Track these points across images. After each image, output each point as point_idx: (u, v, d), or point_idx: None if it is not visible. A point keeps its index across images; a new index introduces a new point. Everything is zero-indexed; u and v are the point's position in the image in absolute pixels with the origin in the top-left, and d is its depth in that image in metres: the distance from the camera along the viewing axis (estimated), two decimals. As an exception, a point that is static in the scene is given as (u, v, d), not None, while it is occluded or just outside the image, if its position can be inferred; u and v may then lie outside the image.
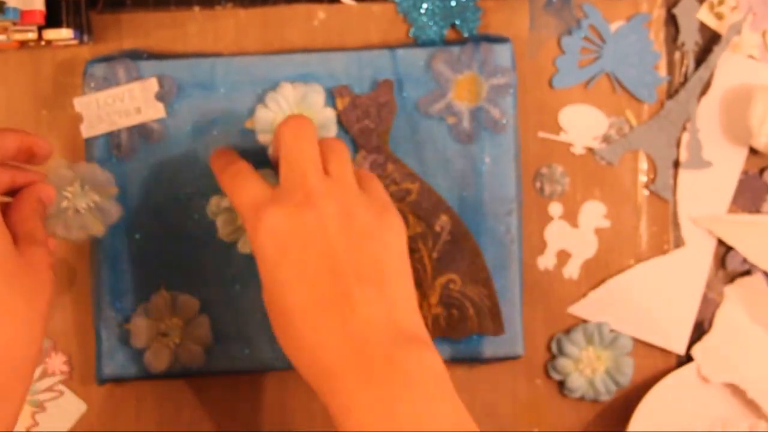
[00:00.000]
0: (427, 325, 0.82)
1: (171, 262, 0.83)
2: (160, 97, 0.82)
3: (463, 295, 0.83)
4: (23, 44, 0.83)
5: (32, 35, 0.81)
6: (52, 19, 0.80)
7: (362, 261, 0.68)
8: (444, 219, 0.83)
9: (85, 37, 0.83)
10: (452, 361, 0.85)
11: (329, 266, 0.67)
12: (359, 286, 0.67)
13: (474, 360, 0.85)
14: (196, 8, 0.85)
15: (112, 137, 0.82)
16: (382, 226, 0.71)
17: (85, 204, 0.80)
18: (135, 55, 0.83)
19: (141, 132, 0.82)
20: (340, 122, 0.83)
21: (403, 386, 0.64)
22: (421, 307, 0.83)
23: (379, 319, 0.67)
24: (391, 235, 0.71)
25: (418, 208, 0.83)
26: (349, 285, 0.67)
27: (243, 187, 0.72)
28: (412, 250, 0.82)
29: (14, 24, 0.79)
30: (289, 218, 0.68)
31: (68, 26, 0.81)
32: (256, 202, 0.70)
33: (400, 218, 0.73)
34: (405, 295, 0.70)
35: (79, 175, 0.79)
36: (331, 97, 0.83)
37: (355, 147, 0.83)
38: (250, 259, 0.83)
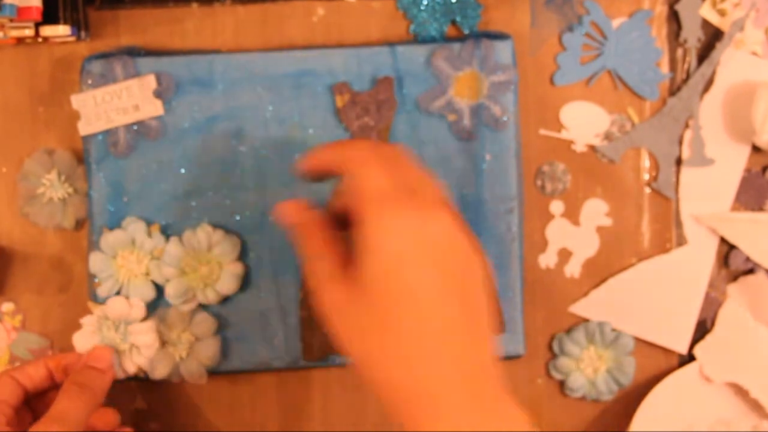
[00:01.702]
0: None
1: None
2: (158, 94, 0.82)
3: (463, 293, 0.83)
4: (20, 41, 0.83)
5: (29, 32, 0.81)
6: (49, 16, 0.81)
7: (470, 292, 0.65)
8: (444, 217, 0.83)
9: (83, 34, 0.83)
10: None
11: (448, 290, 0.63)
12: (469, 321, 0.64)
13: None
14: (195, 5, 0.85)
15: (109, 135, 0.82)
16: (477, 261, 0.67)
17: (60, 195, 0.84)
18: (133, 52, 0.83)
19: (139, 129, 0.82)
20: (339, 119, 0.82)
21: (505, 426, 0.62)
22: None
23: (494, 356, 0.64)
24: (480, 274, 0.67)
25: (419, 206, 0.83)
26: (462, 317, 0.64)
27: (372, 166, 0.66)
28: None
29: (11, 20, 0.80)
30: (417, 223, 0.63)
31: (65, 23, 0.81)
32: (384, 190, 0.64)
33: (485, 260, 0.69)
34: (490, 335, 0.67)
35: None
36: (331, 94, 0.82)
37: (355, 144, 0.83)
38: (247, 260, 0.83)
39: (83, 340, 0.82)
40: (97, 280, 0.83)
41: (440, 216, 0.64)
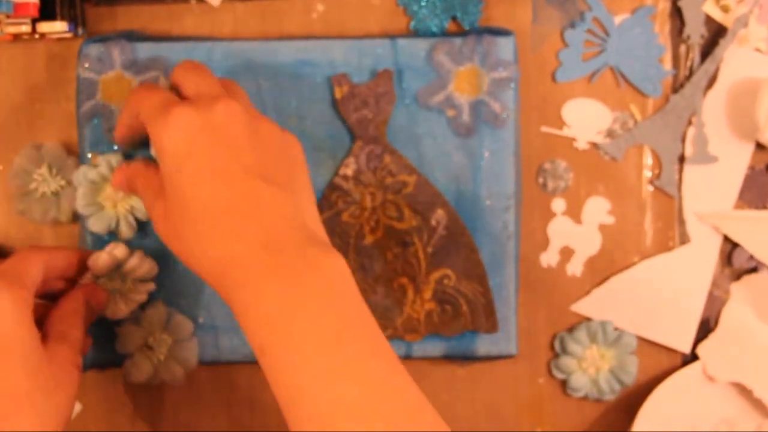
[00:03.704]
0: (419, 320, 0.83)
1: (162, 250, 0.83)
2: (154, 79, 0.82)
3: (457, 291, 0.83)
4: (17, 37, 0.83)
5: (26, 28, 0.82)
6: (46, 12, 0.82)
7: (269, 164, 0.71)
8: (440, 213, 0.83)
9: (80, 30, 0.84)
10: (444, 359, 0.85)
11: (239, 164, 0.70)
12: (269, 187, 0.70)
13: (467, 358, 0.85)
14: (193, 1, 0.86)
15: (105, 119, 0.82)
16: (285, 140, 0.75)
17: (53, 188, 0.84)
18: (131, 37, 0.83)
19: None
20: (338, 111, 0.83)
21: (314, 281, 0.67)
22: (414, 302, 0.83)
23: (289, 218, 0.70)
24: (294, 151, 0.75)
25: (414, 201, 0.83)
26: (259, 184, 0.69)
27: (153, 93, 0.74)
28: (407, 244, 0.83)
29: (8, 17, 0.81)
30: (199, 114, 0.70)
31: (62, 19, 0.82)
32: (166, 103, 0.72)
33: (299, 143, 0.76)
34: (310, 205, 0.74)
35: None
36: (330, 86, 0.83)
37: (353, 137, 0.83)
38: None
39: None
40: (108, 240, 0.83)
41: (220, 104, 0.70)
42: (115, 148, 0.82)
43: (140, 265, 0.82)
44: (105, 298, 0.80)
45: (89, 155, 0.83)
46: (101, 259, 0.81)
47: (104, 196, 0.82)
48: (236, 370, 0.87)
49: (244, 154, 0.70)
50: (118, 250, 0.82)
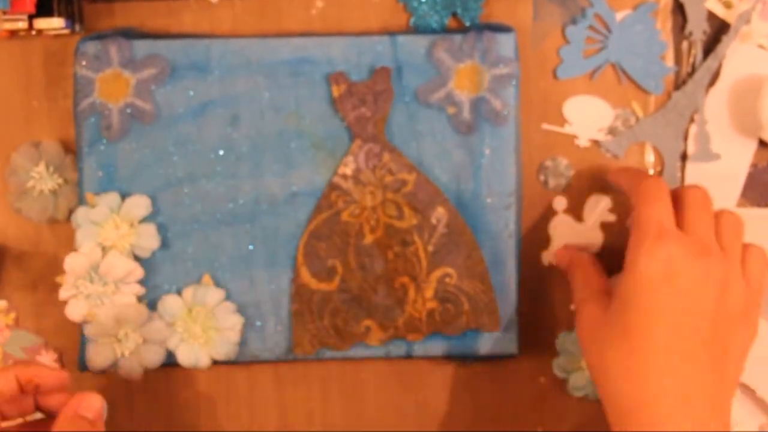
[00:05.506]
0: (421, 319, 0.83)
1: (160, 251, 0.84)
2: (152, 77, 0.82)
3: (458, 289, 0.83)
4: (13, 34, 0.84)
5: (23, 24, 0.82)
6: (43, 8, 0.82)
7: (717, 343, 0.74)
8: (441, 211, 0.83)
9: (77, 27, 0.85)
10: (446, 358, 0.85)
11: (696, 327, 0.73)
12: (715, 366, 0.73)
13: (468, 357, 0.85)
14: (192, -3, 0.86)
15: (102, 118, 0.83)
16: (746, 322, 0.77)
17: (50, 186, 0.84)
18: (129, 34, 0.83)
19: (132, 113, 0.83)
20: (336, 110, 0.83)
21: None
22: (415, 301, 0.83)
23: (718, 409, 0.73)
24: (746, 335, 0.77)
25: (414, 199, 0.83)
26: (706, 362, 0.73)
27: (659, 203, 0.76)
28: (407, 243, 0.83)
29: (4, 13, 0.81)
30: (684, 259, 0.73)
31: (59, 15, 0.83)
32: (663, 224, 0.75)
33: (758, 322, 0.78)
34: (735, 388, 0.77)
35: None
36: (327, 84, 0.83)
37: (351, 135, 0.83)
38: (239, 249, 0.84)
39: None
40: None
41: (707, 260, 0.74)
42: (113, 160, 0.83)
43: (116, 264, 0.82)
44: (100, 404, 0.75)
45: (86, 194, 0.84)
46: (77, 259, 0.81)
47: (104, 235, 0.83)
48: (236, 370, 0.87)
49: (701, 319, 0.73)
50: (93, 251, 0.82)
